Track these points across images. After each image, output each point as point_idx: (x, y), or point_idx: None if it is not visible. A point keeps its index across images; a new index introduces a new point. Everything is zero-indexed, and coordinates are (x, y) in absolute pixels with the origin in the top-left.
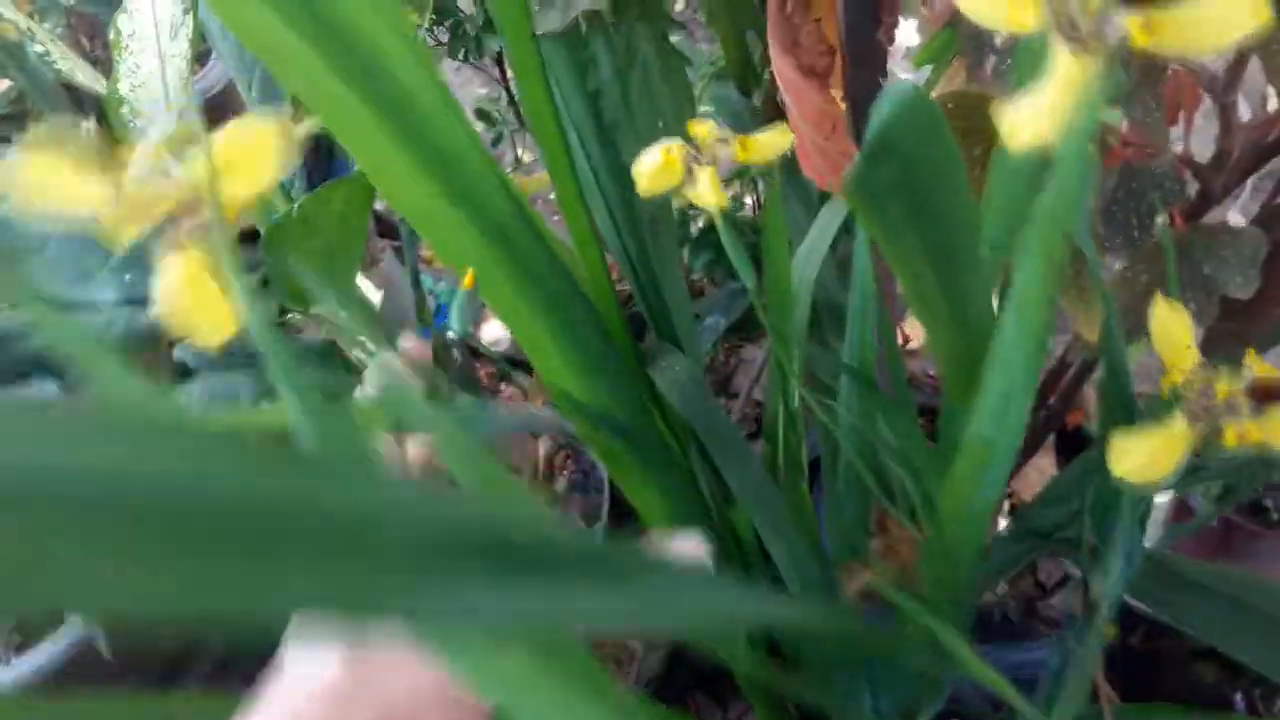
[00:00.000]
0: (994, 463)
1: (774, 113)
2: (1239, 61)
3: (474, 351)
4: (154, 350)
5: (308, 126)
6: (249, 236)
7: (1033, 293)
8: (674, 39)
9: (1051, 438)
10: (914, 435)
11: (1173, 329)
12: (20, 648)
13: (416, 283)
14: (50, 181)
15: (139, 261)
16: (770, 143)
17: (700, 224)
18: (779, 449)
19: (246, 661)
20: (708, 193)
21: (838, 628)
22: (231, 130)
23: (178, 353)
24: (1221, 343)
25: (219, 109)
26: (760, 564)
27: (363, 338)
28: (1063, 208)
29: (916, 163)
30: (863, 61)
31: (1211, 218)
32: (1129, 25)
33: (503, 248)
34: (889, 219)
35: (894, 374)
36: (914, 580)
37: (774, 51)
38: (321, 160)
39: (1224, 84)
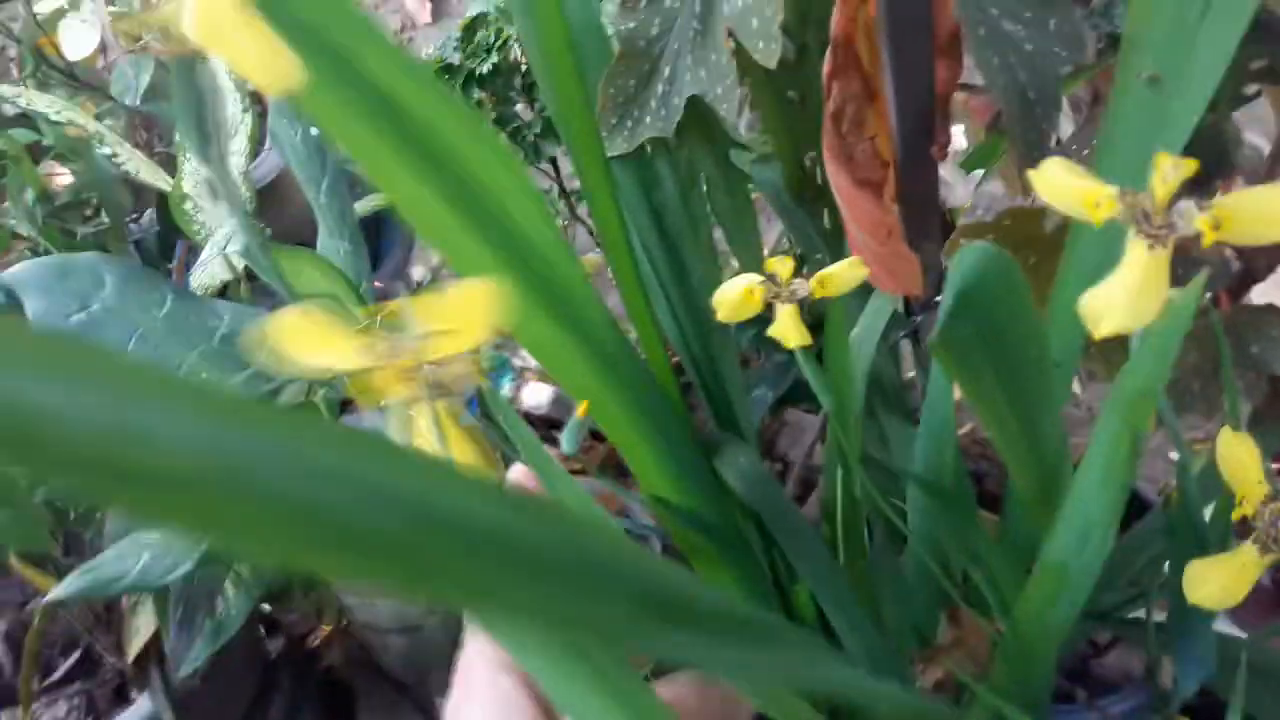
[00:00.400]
0: (1071, 587)
1: (828, 212)
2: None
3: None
4: None
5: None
6: None
7: (1117, 452)
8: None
9: None
10: (987, 543)
11: (1242, 460)
12: None
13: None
14: (310, 340)
15: (215, 362)
16: (844, 277)
17: None
18: (837, 529)
19: None
20: (791, 333)
21: (916, 709)
22: (452, 296)
23: None
24: (1273, 421)
25: (271, 197)
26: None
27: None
28: (1147, 389)
29: (995, 317)
30: (916, 174)
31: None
32: (1199, 225)
33: (611, 375)
34: (971, 368)
35: (959, 482)
36: (986, 670)
37: (830, 166)
38: (370, 239)
39: (1267, 169)
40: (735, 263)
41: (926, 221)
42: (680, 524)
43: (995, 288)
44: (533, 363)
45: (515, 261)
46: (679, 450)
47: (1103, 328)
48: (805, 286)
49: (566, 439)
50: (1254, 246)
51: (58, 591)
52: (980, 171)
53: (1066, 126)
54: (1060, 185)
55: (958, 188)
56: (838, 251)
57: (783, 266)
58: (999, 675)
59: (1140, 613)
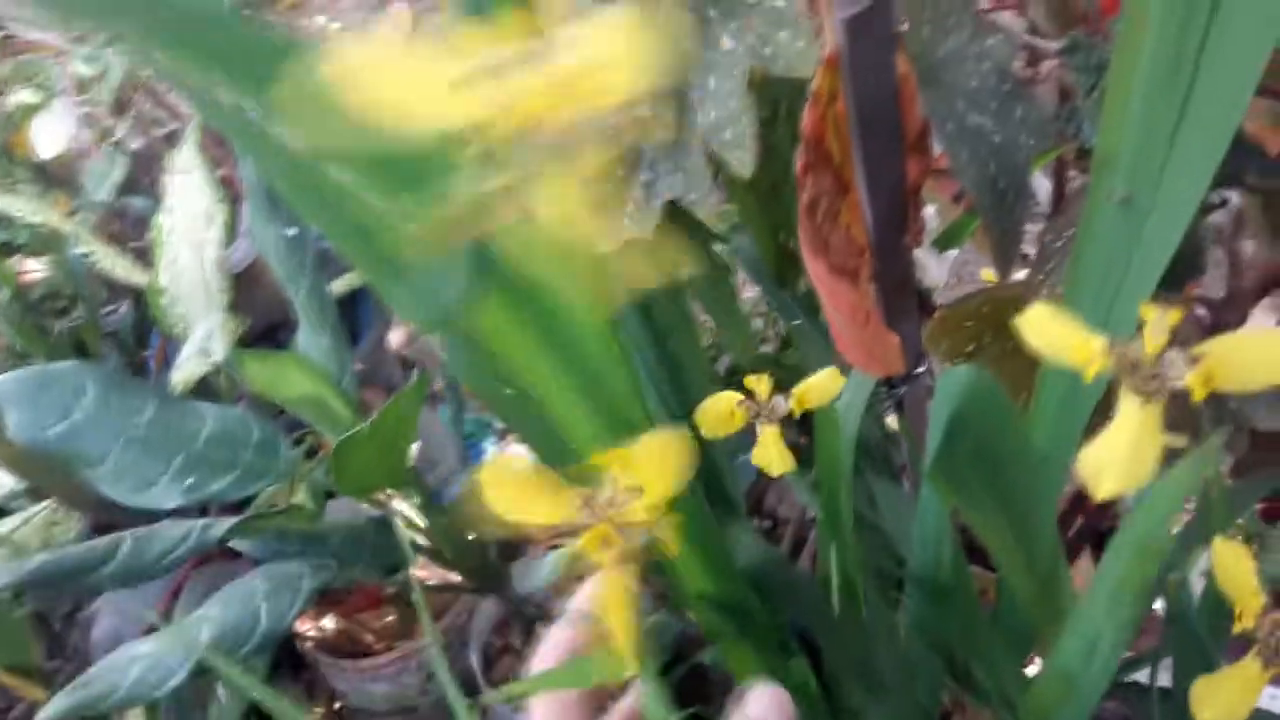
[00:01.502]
0: (1078, 694)
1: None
2: (1240, 217)
3: None
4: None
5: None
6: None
7: (1125, 587)
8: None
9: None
10: (986, 636)
11: (1237, 572)
12: None
13: (461, 432)
14: (517, 495)
15: (198, 466)
16: (823, 388)
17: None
18: (832, 601)
19: None
20: (775, 458)
21: None
22: (644, 446)
23: (234, 544)
24: (1254, 471)
25: (248, 282)
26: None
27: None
28: (1153, 543)
29: (984, 437)
30: (891, 261)
31: None
32: (1189, 381)
33: None
34: (966, 488)
35: (965, 585)
36: None
37: (806, 253)
38: (346, 309)
39: (1230, 233)
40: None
41: (904, 302)
42: (718, 616)
43: (981, 410)
44: None
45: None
46: (705, 536)
47: (1102, 489)
48: (784, 404)
49: None
50: (1224, 304)
51: (48, 711)
52: (954, 252)
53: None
54: (1049, 333)
55: (930, 265)
56: (813, 316)
57: (760, 385)
58: None
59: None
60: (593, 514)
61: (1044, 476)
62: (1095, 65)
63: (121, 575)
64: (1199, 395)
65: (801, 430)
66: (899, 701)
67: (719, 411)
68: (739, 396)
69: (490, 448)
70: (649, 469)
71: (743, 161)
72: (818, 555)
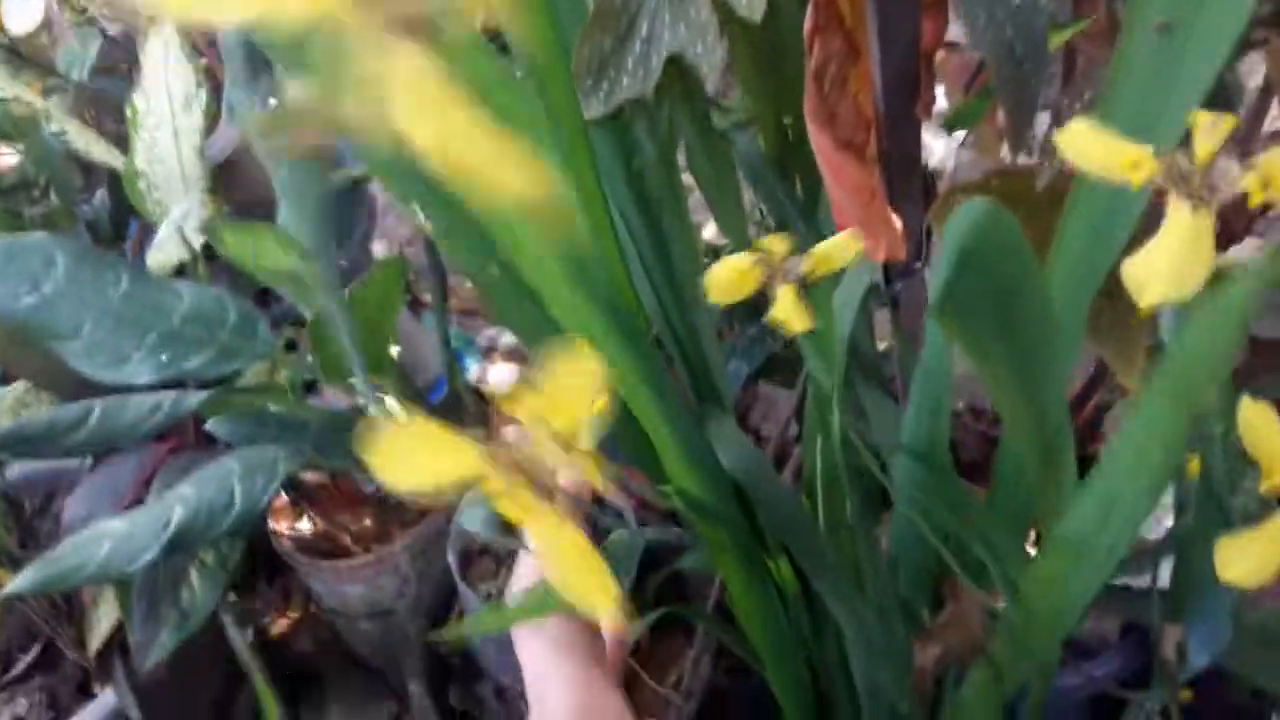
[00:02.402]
0: (1087, 566)
1: (800, 181)
2: (1263, 103)
3: (483, 396)
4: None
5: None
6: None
7: (1159, 434)
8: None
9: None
10: (982, 512)
11: (1264, 431)
12: (55, 719)
13: (446, 340)
14: (414, 458)
15: (174, 343)
16: (840, 253)
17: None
18: (818, 502)
19: None
20: (792, 315)
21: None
22: (554, 377)
23: (210, 426)
24: (1254, 379)
25: (230, 172)
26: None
27: (392, 406)
28: (1203, 369)
29: (997, 276)
30: (900, 134)
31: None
32: (1245, 182)
33: (641, 357)
34: (974, 330)
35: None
36: (984, 645)
37: (811, 127)
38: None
39: (1245, 131)
40: (712, 227)
41: (909, 183)
42: (708, 520)
43: (996, 246)
44: (500, 343)
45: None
46: (688, 432)
47: (1147, 296)
48: (800, 264)
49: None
50: (1231, 208)
51: (16, 584)
52: (961, 133)
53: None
54: (1090, 147)
55: (936, 150)
56: (811, 220)
57: (777, 244)
58: (1002, 651)
59: (1132, 579)
60: (499, 465)
61: (1059, 330)
62: None
63: (92, 442)
64: (1256, 199)
65: (788, 344)
66: (883, 599)
67: (732, 274)
68: (752, 256)
69: (474, 364)
70: (558, 399)
71: (752, 4)
72: (802, 465)
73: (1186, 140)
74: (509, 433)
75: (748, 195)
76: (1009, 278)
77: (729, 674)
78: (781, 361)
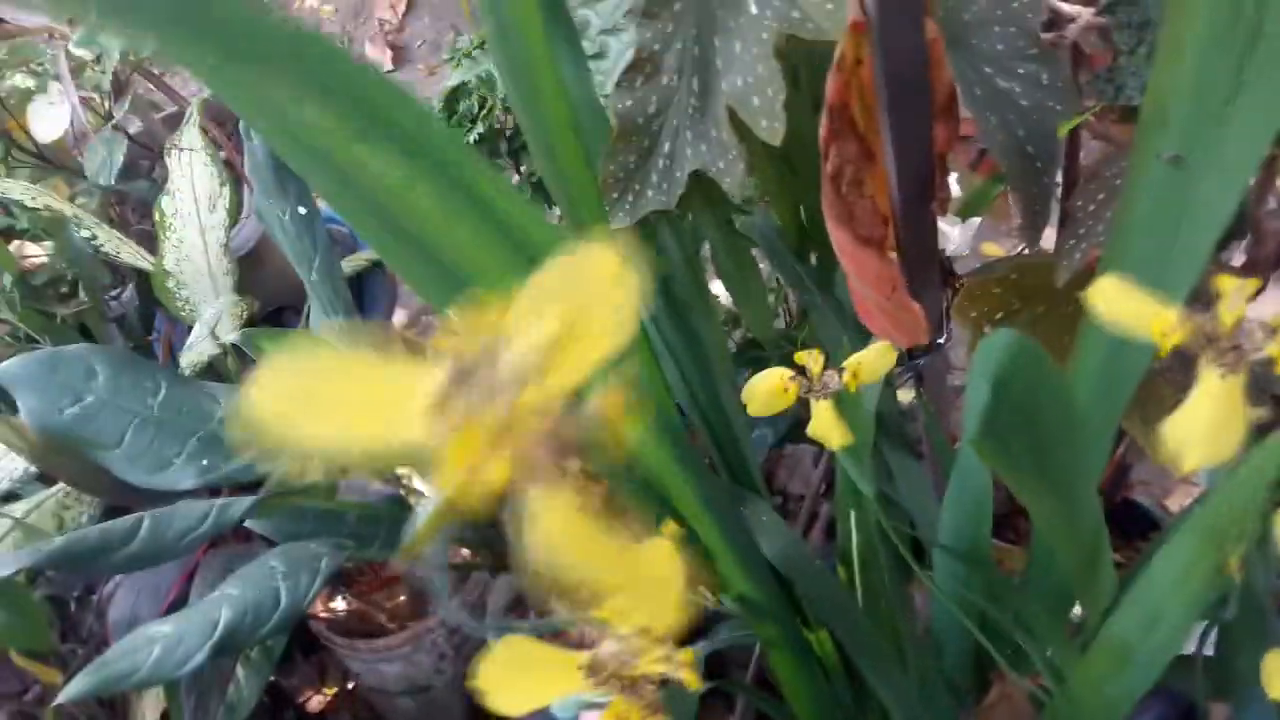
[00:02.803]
0: (1136, 666)
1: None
2: (1268, 176)
3: None
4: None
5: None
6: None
7: (1192, 570)
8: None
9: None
10: (1023, 602)
11: None
12: None
13: None
14: (526, 679)
15: (213, 447)
16: (876, 362)
17: (735, 341)
18: (854, 574)
19: None
20: (829, 431)
21: None
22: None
23: (251, 523)
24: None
25: (252, 264)
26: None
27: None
28: (1236, 515)
29: (1029, 405)
30: (916, 229)
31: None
32: (1271, 352)
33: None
34: (1009, 455)
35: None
36: None
37: (831, 225)
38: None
39: (1255, 198)
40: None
41: (927, 272)
42: (760, 618)
43: (1027, 372)
44: None
45: None
46: (729, 520)
47: (1187, 462)
48: (836, 378)
49: None
50: (1241, 269)
51: (68, 692)
52: (976, 220)
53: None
54: (1120, 306)
55: (952, 234)
56: (827, 290)
57: (813, 360)
58: None
59: None
60: (603, 681)
61: (1088, 442)
62: (1138, 23)
63: (142, 556)
64: None
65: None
66: (925, 675)
67: (769, 388)
68: (789, 372)
69: None
70: (642, 591)
71: (773, 129)
72: (836, 530)
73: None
74: (602, 640)
75: (764, 266)
76: (1040, 401)
77: None
78: (806, 422)
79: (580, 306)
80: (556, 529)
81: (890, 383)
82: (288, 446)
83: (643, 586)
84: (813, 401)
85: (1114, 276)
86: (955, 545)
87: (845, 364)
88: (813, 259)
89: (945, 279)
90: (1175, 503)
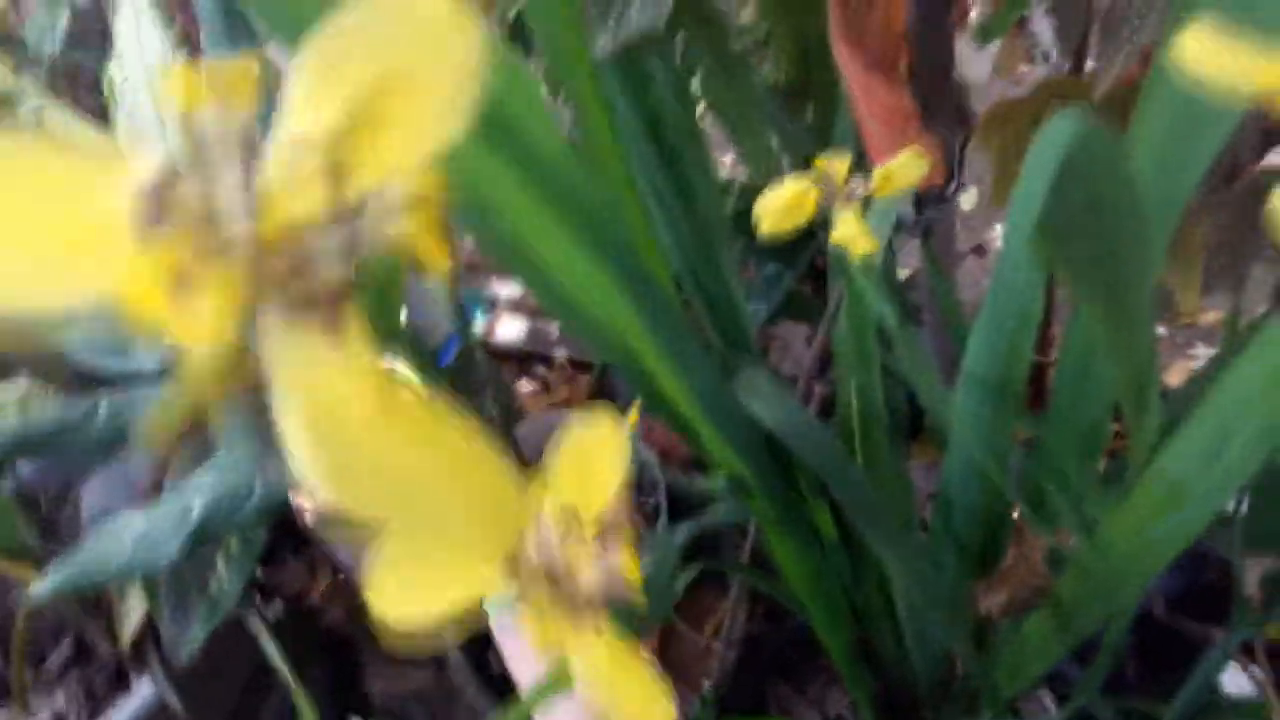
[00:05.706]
0: (1185, 512)
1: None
2: None
3: (492, 352)
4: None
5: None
6: None
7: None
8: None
9: None
10: (1072, 457)
11: None
12: (94, 712)
13: (457, 302)
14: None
15: None
16: (907, 171)
17: (728, 208)
18: (855, 442)
19: None
20: (856, 237)
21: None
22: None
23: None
24: None
25: None
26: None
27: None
28: None
29: (1096, 195)
30: (932, 47)
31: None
32: None
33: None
34: (1070, 251)
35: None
36: (1046, 587)
37: (838, 47)
38: None
39: None
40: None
41: (943, 103)
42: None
43: (1097, 162)
44: (504, 295)
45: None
46: (713, 388)
47: None
48: (863, 185)
49: None
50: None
51: (41, 588)
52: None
53: None
54: (1219, 59)
55: (970, 60)
56: (825, 149)
57: (838, 164)
58: (1071, 595)
59: None
60: (527, 580)
61: (1151, 239)
62: None
63: (103, 441)
64: None
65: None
66: (934, 539)
67: (787, 200)
68: (808, 180)
69: (481, 319)
70: (581, 478)
71: None
72: (833, 408)
73: None
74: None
75: None
76: (1108, 193)
77: (763, 620)
78: (797, 300)
79: (393, 68)
80: (322, 416)
81: (891, 248)
82: None
83: (462, 502)
84: (836, 208)
85: (1203, 28)
86: (986, 373)
87: (878, 171)
88: (810, 114)
89: (962, 116)
90: (1174, 378)
